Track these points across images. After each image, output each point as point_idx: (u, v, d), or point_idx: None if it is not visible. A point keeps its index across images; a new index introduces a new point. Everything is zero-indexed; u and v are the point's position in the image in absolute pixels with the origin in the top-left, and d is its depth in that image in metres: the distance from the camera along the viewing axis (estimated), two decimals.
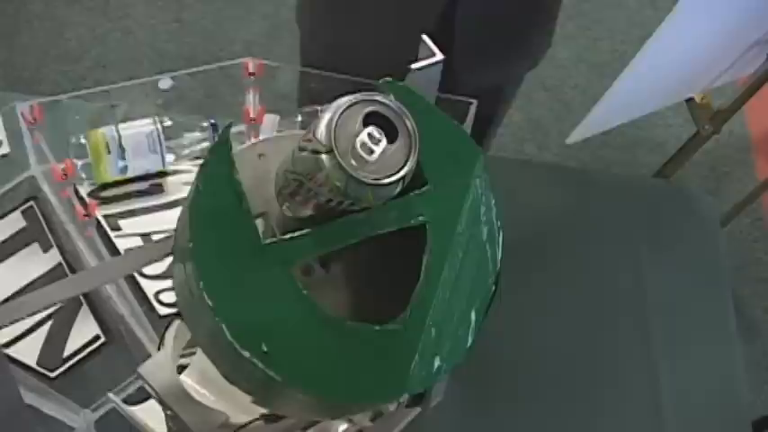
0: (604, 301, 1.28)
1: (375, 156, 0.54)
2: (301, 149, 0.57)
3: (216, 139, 1.24)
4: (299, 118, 1.26)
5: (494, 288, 0.64)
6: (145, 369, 0.69)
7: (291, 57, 1.52)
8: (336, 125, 0.54)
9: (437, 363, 0.60)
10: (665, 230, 1.39)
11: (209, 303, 0.55)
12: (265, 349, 0.56)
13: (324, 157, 0.54)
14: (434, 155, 0.63)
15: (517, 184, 1.37)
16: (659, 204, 1.42)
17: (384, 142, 0.54)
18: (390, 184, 0.55)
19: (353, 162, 0.53)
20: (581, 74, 2.89)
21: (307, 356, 0.57)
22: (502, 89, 1.54)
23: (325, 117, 0.54)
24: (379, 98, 0.55)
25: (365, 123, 0.54)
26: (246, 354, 0.55)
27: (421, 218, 0.62)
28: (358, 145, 0.53)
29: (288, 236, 0.59)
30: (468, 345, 0.62)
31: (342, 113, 0.54)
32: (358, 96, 0.55)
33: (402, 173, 0.55)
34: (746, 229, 2.57)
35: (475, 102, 1.13)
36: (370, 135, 0.54)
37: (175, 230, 0.63)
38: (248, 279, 0.57)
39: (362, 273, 0.70)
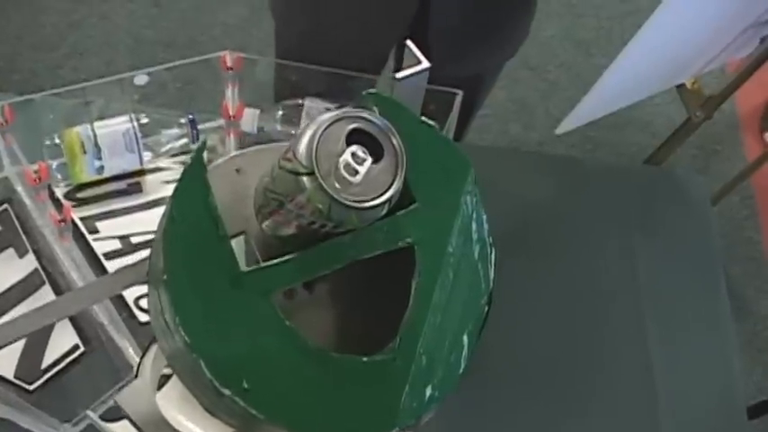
0: (597, 287, 1.28)
1: (359, 177, 0.50)
2: (281, 168, 0.54)
3: (194, 136, 1.23)
4: (281, 111, 1.23)
5: (486, 309, 0.61)
6: (122, 397, 0.66)
7: (271, 40, 1.49)
8: (318, 144, 0.50)
9: (429, 392, 0.57)
10: (656, 214, 1.38)
11: (186, 339, 0.52)
12: (246, 386, 0.52)
13: (305, 178, 0.51)
14: (422, 171, 0.60)
15: (505, 172, 1.36)
16: (649, 189, 1.42)
17: (369, 162, 0.51)
18: (376, 206, 0.52)
19: (336, 184, 0.50)
20: (566, 52, 2.86)
21: (290, 392, 0.54)
22: (482, 78, 1.51)
23: (306, 135, 0.51)
24: (363, 114, 0.52)
25: (348, 142, 0.51)
26: (227, 392, 0.52)
27: (409, 239, 0.59)
28: (341, 166, 0.50)
29: (268, 263, 0.56)
30: (461, 370, 0.59)
31: (323, 131, 0.50)
32: (340, 113, 0.51)
33: (388, 194, 0.52)
34: (736, 207, 2.56)
35: (460, 93, 1.11)
36: (353, 155, 0.50)
37: (150, 256, 0.60)
38: (227, 311, 0.54)
39: (348, 295, 0.67)
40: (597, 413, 1.16)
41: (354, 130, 0.51)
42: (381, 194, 0.52)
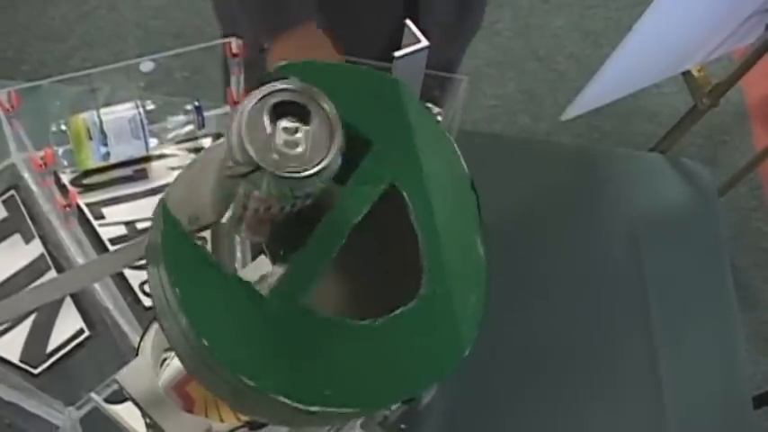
0: (603, 276, 1.27)
1: (301, 146, 0.50)
2: (229, 177, 0.53)
3: (199, 123, 1.23)
4: None
5: (476, 199, 0.62)
6: (123, 376, 0.66)
7: None
8: (248, 138, 0.49)
9: (473, 300, 0.58)
10: (663, 204, 1.38)
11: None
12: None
13: (253, 176, 0.50)
14: (361, 110, 0.59)
15: (513, 161, 1.36)
16: (656, 178, 1.41)
17: (303, 128, 0.50)
18: (331, 160, 0.51)
19: (286, 165, 0.50)
20: (575, 42, 2.85)
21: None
22: (452, 64, 1.50)
23: (233, 135, 0.50)
24: (277, 86, 0.51)
25: (275, 118, 0.50)
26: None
27: (387, 179, 0.59)
28: (280, 146, 0.50)
29: (285, 276, 0.55)
30: (485, 270, 0.60)
31: (246, 123, 0.49)
32: (253, 96, 0.51)
33: (337, 143, 0.51)
34: (744, 197, 2.55)
35: (465, 78, 1.11)
36: (285, 129, 0.50)
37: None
38: (254, 327, 0.54)
39: (359, 261, 0.66)
40: (602, 402, 1.16)
41: (275, 105, 0.51)
42: (330, 148, 0.51)
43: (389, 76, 0.63)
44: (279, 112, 0.51)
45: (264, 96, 0.51)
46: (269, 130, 0.50)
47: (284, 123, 0.50)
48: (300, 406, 0.53)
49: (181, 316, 0.52)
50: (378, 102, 0.62)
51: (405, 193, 0.59)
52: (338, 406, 0.54)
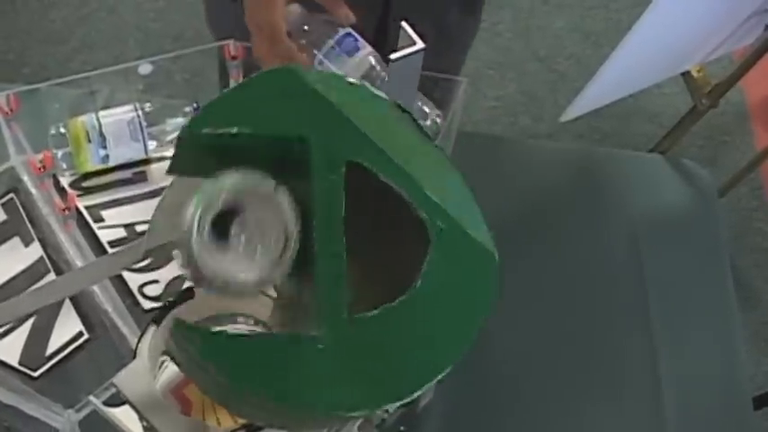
0: (602, 276, 1.27)
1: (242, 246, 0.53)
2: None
3: None
4: None
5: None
6: (120, 379, 0.66)
7: None
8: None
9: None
10: (663, 204, 1.38)
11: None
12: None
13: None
14: (280, 114, 0.60)
15: (512, 162, 1.36)
16: (655, 178, 1.41)
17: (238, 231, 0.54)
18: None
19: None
20: (575, 43, 2.85)
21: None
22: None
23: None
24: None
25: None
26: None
27: (342, 160, 0.59)
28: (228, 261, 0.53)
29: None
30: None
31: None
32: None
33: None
34: (745, 198, 2.55)
35: (464, 80, 1.11)
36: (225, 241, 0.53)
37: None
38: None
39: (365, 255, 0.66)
40: (601, 402, 1.16)
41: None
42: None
43: (284, 69, 0.63)
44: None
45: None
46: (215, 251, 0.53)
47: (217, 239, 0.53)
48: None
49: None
50: (290, 99, 0.61)
51: (364, 163, 0.59)
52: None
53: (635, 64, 1.29)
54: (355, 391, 0.55)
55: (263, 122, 0.54)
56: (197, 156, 0.57)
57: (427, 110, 1.03)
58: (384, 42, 1.21)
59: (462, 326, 0.57)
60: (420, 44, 0.74)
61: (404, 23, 0.75)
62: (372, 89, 0.62)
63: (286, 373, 0.53)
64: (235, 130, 0.55)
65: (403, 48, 0.74)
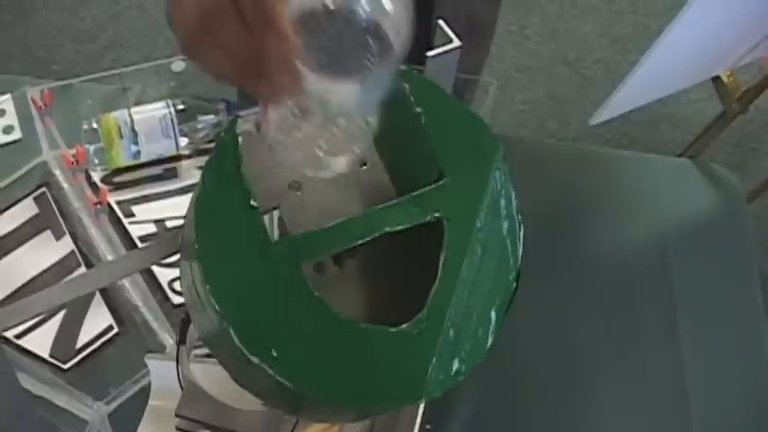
0: (628, 281, 1.26)
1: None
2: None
3: (228, 122, 1.23)
4: None
5: (515, 285, 0.62)
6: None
7: None
8: None
9: (456, 365, 0.58)
10: (691, 209, 1.37)
11: (216, 308, 0.53)
12: (275, 354, 0.53)
13: None
14: (452, 147, 0.60)
15: (539, 165, 1.36)
16: (684, 183, 1.40)
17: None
18: None
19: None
20: (603, 48, 2.84)
21: (318, 361, 0.55)
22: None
23: None
24: None
25: None
26: (255, 359, 0.53)
27: (438, 213, 0.59)
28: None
29: (298, 234, 0.57)
30: (489, 345, 0.60)
31: None
32: None
33: None
34: None
35: (495, 82, 1.11)
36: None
37: (183, 226, 0.61)
38: (257, 280, 0.55)
39: (378, 270, 0.67)
40: (626, 407, 1.15)
41: None
42: None
43: (494, 136, 0.65)
44: None
45: None
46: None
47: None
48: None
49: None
50: (470, 149, 0.64)
51: (447, 235, 0.60)
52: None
53: (665, 69, 1.29)
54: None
55: (441, 134, 0.58)
56: None
57: None
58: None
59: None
60: (456, 42, 0.74)
61: (440, 21, 0.75)
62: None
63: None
64: None
65: (439, 46, 0.74)
